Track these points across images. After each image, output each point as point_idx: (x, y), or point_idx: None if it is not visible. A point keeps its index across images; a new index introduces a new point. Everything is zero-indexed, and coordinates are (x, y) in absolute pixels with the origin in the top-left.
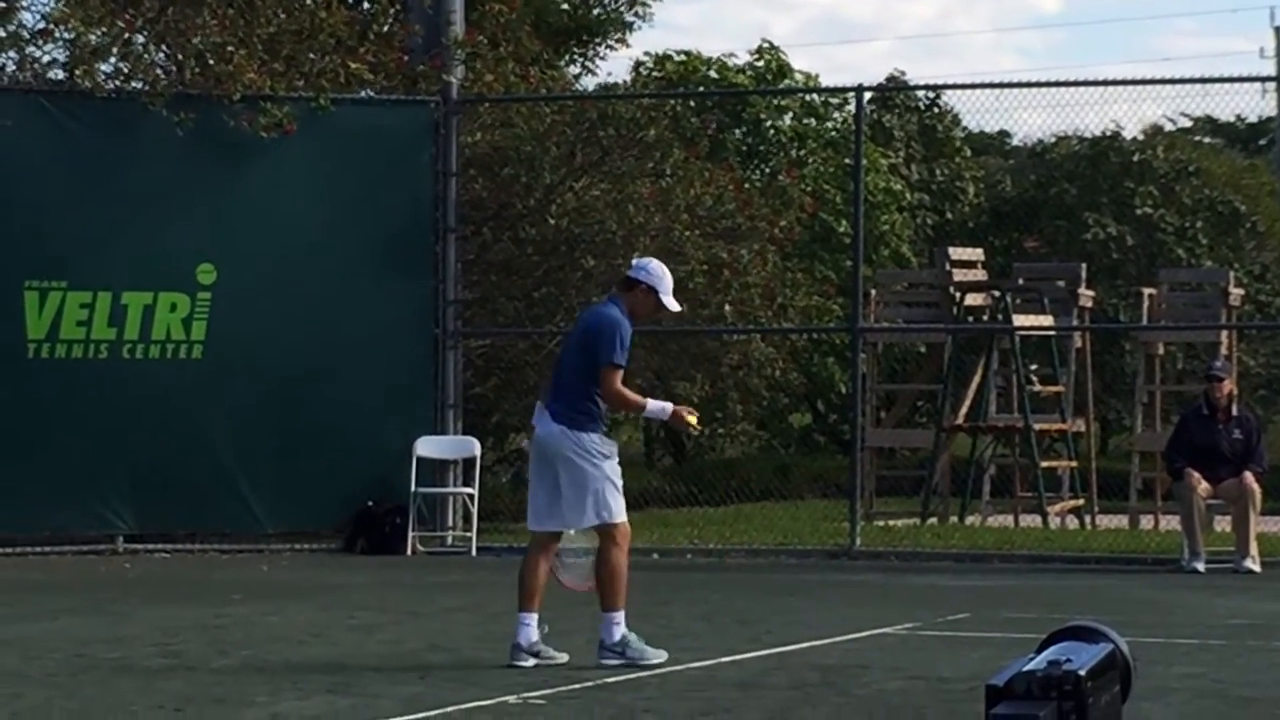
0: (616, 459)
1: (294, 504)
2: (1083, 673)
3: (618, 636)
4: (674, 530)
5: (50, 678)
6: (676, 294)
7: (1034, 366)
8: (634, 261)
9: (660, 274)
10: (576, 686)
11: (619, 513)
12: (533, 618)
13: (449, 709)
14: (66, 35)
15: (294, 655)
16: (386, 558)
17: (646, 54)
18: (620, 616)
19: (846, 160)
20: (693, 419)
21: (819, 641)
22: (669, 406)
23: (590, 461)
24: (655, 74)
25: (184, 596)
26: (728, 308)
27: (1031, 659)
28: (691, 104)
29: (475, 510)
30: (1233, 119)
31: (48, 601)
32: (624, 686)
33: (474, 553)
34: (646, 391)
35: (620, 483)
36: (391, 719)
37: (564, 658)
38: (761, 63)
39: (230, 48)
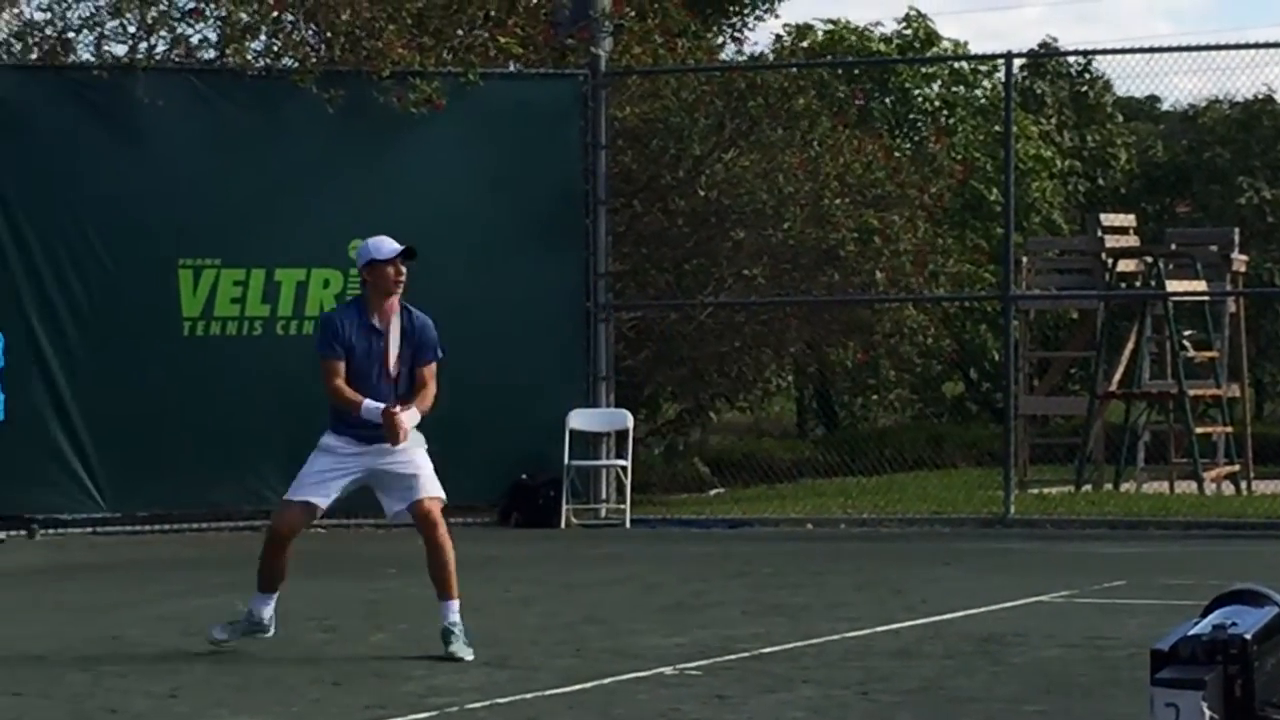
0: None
1: (448, 478)
2: (1248, 636)
3: None
4: (828, 500)
5: (210, 653)
6: (826, 264)
7: (1188, 332)
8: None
9: (364, 250)
10: (732, 657)
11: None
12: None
13: (606, 680)
14: (217, 14)
15: None
16: (541, 530)
17: (786, 26)
18: None
19: (996, 128)
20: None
21: (975, 610)
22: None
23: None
24: (800, 44)
25: (340, 571)
26: (879, 275)
27: (1196, 623)
28: (839, 73)
29: (629, 482)
30: None
31: (205, 577)
32: (780, 656)
33: (628, 525)
34: (801, 361)
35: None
36: (548, 691)
37: None
38: (909, 31)
39: (379, 24)
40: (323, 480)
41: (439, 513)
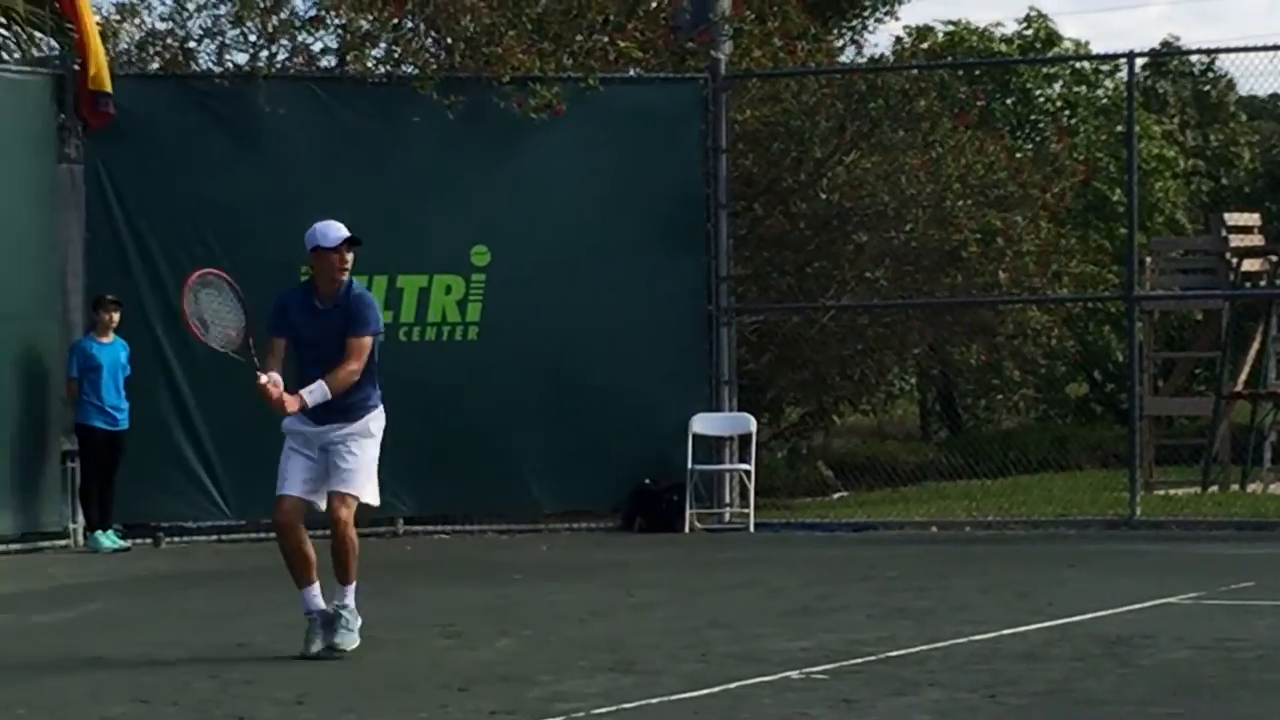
0: (285, 431)
1: (571, 483)
2: None
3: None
4: (952, 503)
5: (336, 660)
6: (949, 265)
7: None
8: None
9: (311, 235)
10: (858, 661)
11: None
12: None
13: (731, 685)
14: (338, 22)
15: (575, 634)
16: (664, 535)
17: (906, 28)
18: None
19: (1119, 128)
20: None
21: (1102, 612)
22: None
23: None
24: (920, 46)
25: (465, 577)
26: (1002, 275)
27: None
28: (960, 74)
29: (752, 486)
30: None
31: (330, 583)
32: (907, 660)
33: (751, 529)
34: (924, 363)
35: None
36: (674, 696)
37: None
38: (1030, 31)
39: (499, 29)
40: (291, 468)
41: (342, 511)
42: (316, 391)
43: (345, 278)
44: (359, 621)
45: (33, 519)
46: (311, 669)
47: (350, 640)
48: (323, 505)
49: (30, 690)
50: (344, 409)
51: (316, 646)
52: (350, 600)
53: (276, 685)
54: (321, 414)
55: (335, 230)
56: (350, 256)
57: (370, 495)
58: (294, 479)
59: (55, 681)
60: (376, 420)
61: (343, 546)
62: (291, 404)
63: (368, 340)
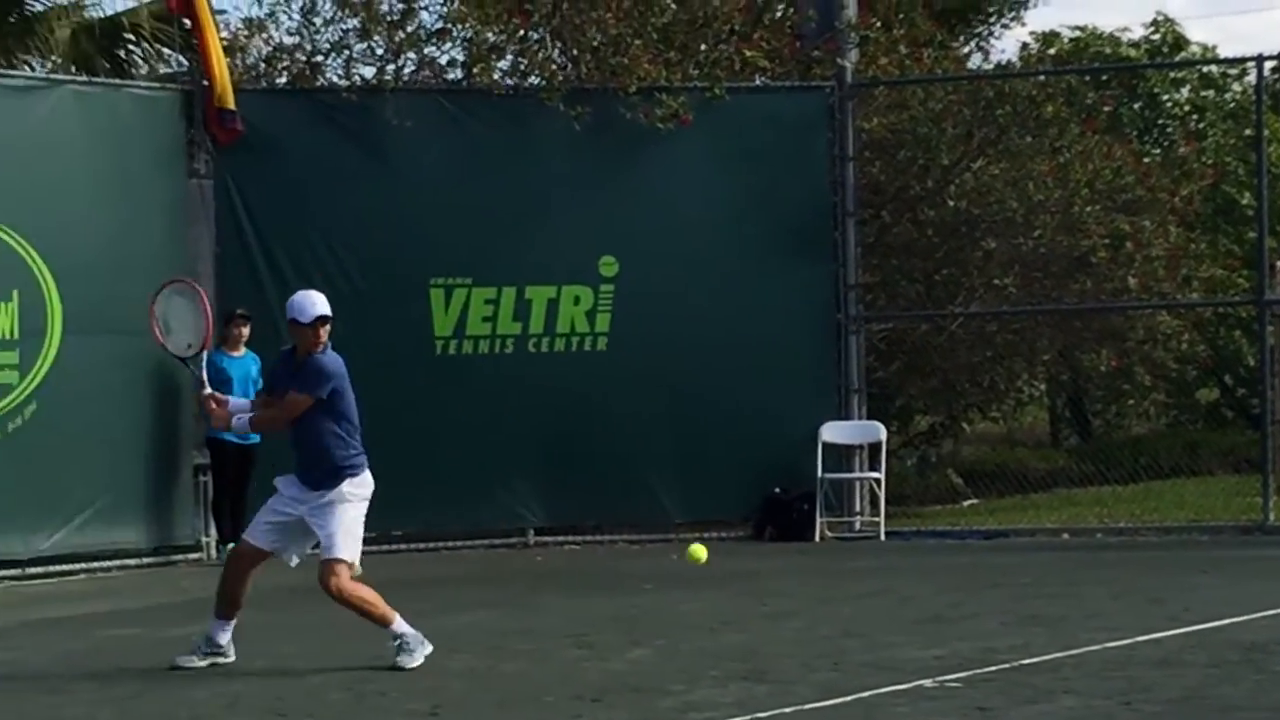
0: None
1: (701, 493)
2: None
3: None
4: (1083, 509)
5: (469, 670)
6: (1078, 271)
7: None
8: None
9: (290, 306)
10: (992, 669)
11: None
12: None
13: (865, 694)
14: (464, 34)
15: (707, 643)
16: (795, 544)
17: (1032, 34)
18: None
19: (1247, 131)
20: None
21: (1237, 618)
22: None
23: None
24: (1047, 51)
25: (596, 587)
26: (1131, 280)
27: None
28: (1087, 79)
29: (882, 495)
30: None
31: (462, 595)
32: (1041, 668)
33: (882, 537)
34: (1054, 369)
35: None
36: (808, 705)
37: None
38: (1157, 36)
39: (625, 40)
40: (263, 522)
41: (330, 580)
42: (244, 413)
43: (320, 350)
44: (422, 646)
45: (165, 532)
46: (445, 680)
47: (408, 661)
48: (288, 560)
49: (166, 702)
50: (321, 475)
51: (185, 658)
52: (400, 630)
53: (411, 696)
54: (306, 476)
55: (311, 307)
56: (325, 330)
57: (350, 555)
58: (261, 530)
59: (191, 693)
60: (357, 485)
61: (351, 610)
62: (220, 416)
63: (301, 399)
